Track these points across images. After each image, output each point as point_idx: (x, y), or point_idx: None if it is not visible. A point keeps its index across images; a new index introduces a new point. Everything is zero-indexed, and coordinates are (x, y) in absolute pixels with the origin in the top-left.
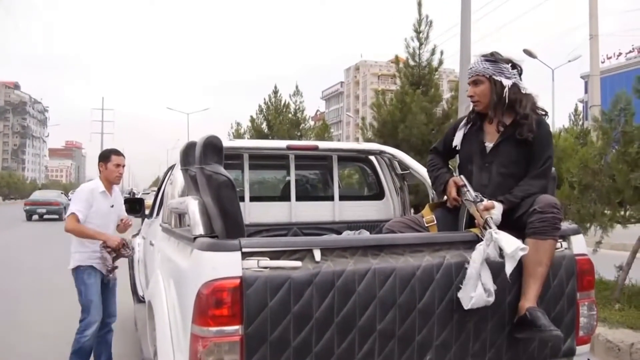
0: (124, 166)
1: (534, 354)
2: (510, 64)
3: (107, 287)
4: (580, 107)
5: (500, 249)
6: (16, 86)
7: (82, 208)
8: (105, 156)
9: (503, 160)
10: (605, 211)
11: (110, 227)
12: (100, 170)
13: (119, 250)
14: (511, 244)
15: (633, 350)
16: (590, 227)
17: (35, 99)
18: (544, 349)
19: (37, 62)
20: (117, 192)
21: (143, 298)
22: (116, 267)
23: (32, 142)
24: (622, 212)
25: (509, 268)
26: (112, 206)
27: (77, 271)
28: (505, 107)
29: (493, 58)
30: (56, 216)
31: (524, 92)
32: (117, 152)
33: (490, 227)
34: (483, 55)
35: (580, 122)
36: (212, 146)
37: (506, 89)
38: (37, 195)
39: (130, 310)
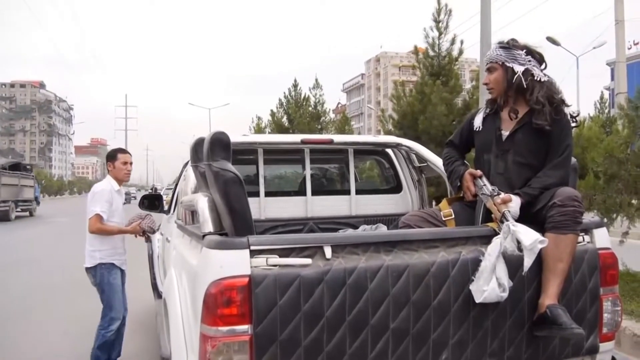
0: (131, 163)
1: (554, 352)
2: (525, 51)
3: (123, 279)
4: (606, 94)
5: (519, 242)
6: (41, 85)
7: (105, 209)
8: (112, 156)
9: (519, 149)
10: (632, 201)
11: (124, 223)
12: (109, 170)
13: (144, 231)
14: (530, 237)
15: None
16: (616, 218)
17: (60, 97)
18: (565, 347)
19: (61, 61)
20: (122, 189)
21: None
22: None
23: (59, 139)
24: None
25: (527, 262)
26: (124, 203)
27: (99, 269)
28: (517, 94)
29: (507, 45)
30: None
31: (538, 79)
32: (123, 151)
33: (507, 221)
34: (498, 43)
35: (607, 110)
36: (219, 142)
37: (516, 75)
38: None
39: (150, 306)
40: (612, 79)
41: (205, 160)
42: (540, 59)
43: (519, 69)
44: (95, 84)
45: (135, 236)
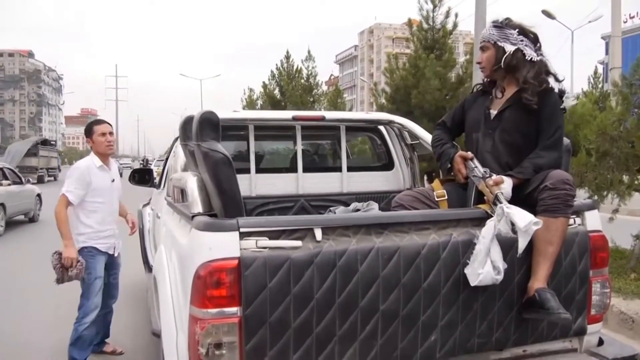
0: (111, 133)
1: (542, 333)
2: (517, 30)
3: (112, 264)
4: (600, 69)
5: (513, 224)
6: (30, 54)
7: (73, 188)
8: (88, 130)
9: (506, 127)
10: (623, 178)
11: (114, 204)
12: (90, 147)
13: (66, 267)
14: (524, 219)
15: None
16: (607, 195)
17: (49, 67)
18: (553, 329)
19: (49, 30)
20: (114, 165)
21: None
22: (69, 278)
23: (48, 109)
24: None
25: (522, 243)
26: (113, 181)
27: (82, 253)
28: (508, 74)
29: (500, 24)
30: None
31: (529, 58)
32: (98, 122)
33: (500, 202)
34: (492, 22)
35: (600, 85)
36: (208, 122)
37: (506, 55)
38: None
39: (141, 279)
40: (607, 53)
41: (194, 140)
42: (534, 39)
43: (510, 48)
44: (85, 54)
45: (59, 264)
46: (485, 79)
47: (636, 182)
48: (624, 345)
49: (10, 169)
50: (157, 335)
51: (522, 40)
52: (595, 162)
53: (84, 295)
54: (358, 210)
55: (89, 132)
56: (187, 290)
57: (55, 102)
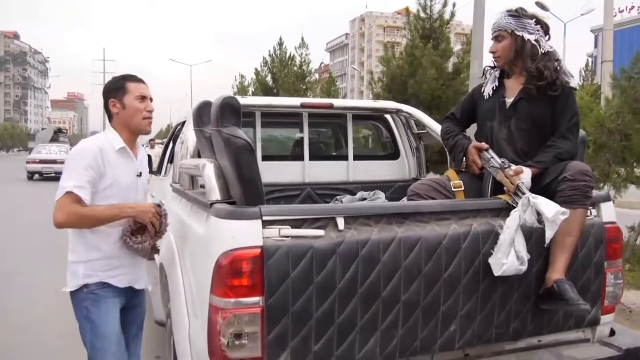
0: (151, 100)
1: (558, 324)
2: (534, 20)
3: (133, 306)
4: (590, 62)
5: (538, 214)
6: (15, 36)
7: (84, 182)
8: (115, 88)
9: (522, 116)
10: (619, 171)
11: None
12: (112, 114)
13: (159, 224)
14: (552, 209)
15: None
16: (603, 187)
17: (35, 49)
18: (568, 320)
19: (35, 12)
20: (142, 151)
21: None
22: (158, 250)
23: (34, 93)
24: (638, 172)
25: (549, 234)
26: (140, 175)
27: (80, 294)
28: (523, 63)
29: (517, 13)
30: None
31: (542, 50)
32: (133, 78)
33: (523, 193)
34: (507, 11)
35: (591, 78)
36: (229, 107)
37: (528, 44)
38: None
39: None
40: (596, 46)
41: (214, 126)
42: (546, 30)
43: (530, 37)
44: (71, 37)
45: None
46: (493, 68)
47: (632, 175)
48: (636, 335)
49: None
50: (160, 324)
51: (538, 30)
52: (592, 155)
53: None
54: (364, 199)
55: (115, 92)
56: (202, 278)
57: (41, 86)
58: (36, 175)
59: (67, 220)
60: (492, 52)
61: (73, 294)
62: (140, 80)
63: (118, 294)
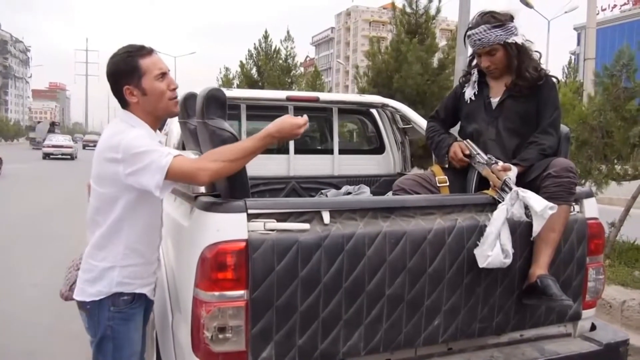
0: (169, 71)
1: (540, 319)
2: (512, 20)
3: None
4: (573, 59)
5: (526, 208)
6: None
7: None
8: (130, 69)
9: (510, 115)
10: (601, 167)
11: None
12: (128, 102)
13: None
14: (540, 203)
15: (625, 307)
16: (585, 184)
17: (16, 37)
18: (550, 314)
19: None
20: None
21: None
22: None
23: (15, 82)
24: (619, 169)
25: (537, 227)
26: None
27: (103, 310)
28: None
29: (499, 22)
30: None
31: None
32: (144, 51)
33: (511, 188)
34: (489, 24)
35: (574, 76)
36: (215, 99)
37: (523, 46)
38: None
39: None
40: (579, 43)
41: (199, 118)
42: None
43: (520, 40)
44: (53, 26)
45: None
46: (471, 69)
47: (614, 171)
48: (617, 330)
49: None
50: None
51: (516, 28)
52: (574, 151)
53: None
54: (349, 193)
55: (129, 76)
56: (185, 271)
57: (22, 75)
58: (49, 157)
59: (207, 177)
60: (487, 67)
61: (89, 304)
62: (151, 51)
63: (144, 302)
